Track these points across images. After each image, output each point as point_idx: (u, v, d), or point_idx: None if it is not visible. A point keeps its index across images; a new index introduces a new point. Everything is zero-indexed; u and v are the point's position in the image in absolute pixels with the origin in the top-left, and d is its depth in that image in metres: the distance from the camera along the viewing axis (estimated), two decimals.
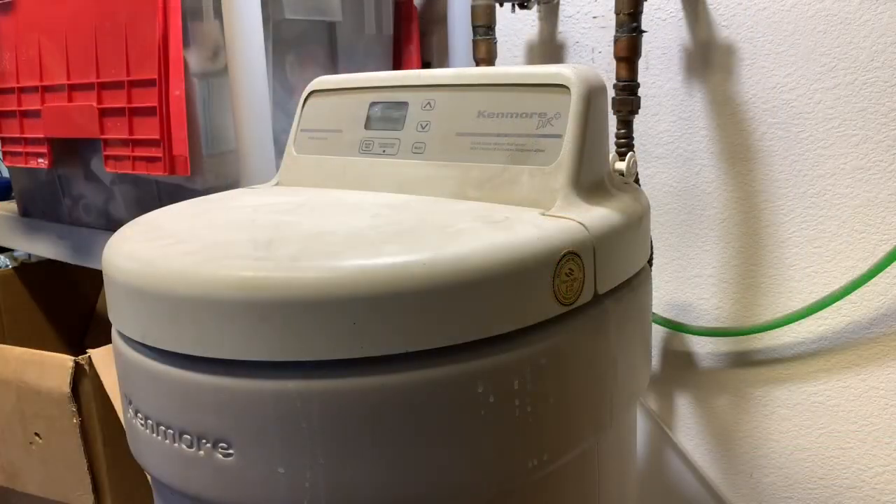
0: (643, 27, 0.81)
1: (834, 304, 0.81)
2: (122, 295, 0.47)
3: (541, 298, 0.45)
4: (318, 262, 0.42)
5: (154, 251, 0.47)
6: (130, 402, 0.50)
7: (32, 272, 1.25)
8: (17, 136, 1.01)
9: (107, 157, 0.89)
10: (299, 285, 0.41)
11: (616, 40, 0.80)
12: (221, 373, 0.43)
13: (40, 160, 0.99)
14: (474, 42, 0.91)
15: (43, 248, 1.12)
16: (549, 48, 0.98)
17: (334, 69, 0.98)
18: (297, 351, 0.41)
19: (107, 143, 0.88)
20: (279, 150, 0.78)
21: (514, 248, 0.45)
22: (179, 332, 0.44)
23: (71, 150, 1.00)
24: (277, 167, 0.71)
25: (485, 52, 0.91)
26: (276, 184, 0.69)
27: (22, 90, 0.99)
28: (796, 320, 0.84)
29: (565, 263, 0.46)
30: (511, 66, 0.99)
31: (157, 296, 0.44)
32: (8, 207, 1.20)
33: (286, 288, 0.41)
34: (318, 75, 0.69)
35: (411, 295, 0.41)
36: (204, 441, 0.44)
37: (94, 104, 0.88)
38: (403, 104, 0.62)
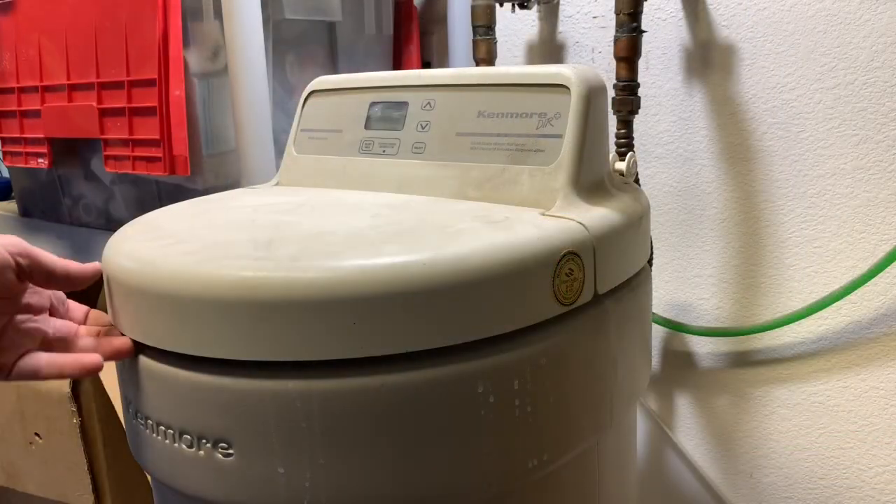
0: (643, 27, 0.81)
1: (834, 304, 0.81)
2: (122, 294, 0.47)
3: (541, 298, 0.45)
4: (318, 262, 0.42)
5: (154, 251, 0.47)
6: (130, 403, 0.50)
7: None
8: (17, 136, 1.01)
9: (107, 157, 0.89)
10: (299, 285, 0.41)
11: (616, 40, 0.80)
12: (221, 373, 0.43)
13: (40, 160, 0.99)
14: (474, 42, 0.91)
15: (43, 247, 1.12)
16: (549, 48, 0.98)
17: (334, 69, 0.98)
18: (296, 351, 0.41)
19: (107, 143, 0.88)
20: (279, 150, 0.78)
21: (514, 249, 0.45)
22: (179, 331, 0.44)
23: (71, 150, 1.00)
24: (277, 167, 0.71)
25: (485, 52, 0.91)
26: (276, 184, 0.69)
27: (22, 90, 0.99)
28: (796, 320, 0.84)
29: (565, 263, 0.46)
30: (511, 66, 0.99)
31: (157, 295, 0.44)
32: (8, 207, 1.20)
33: (286, 288, 0.41)
34: (318, 75, 0.69)
35: (411, 295, 0.41)
36: (204, 441, 0.44)
37: (94, 104, 0.88)
38: (403, 104, 0.62)
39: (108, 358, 0.47)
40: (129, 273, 0.46)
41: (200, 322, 0.42)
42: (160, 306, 0.44)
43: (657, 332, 0.95)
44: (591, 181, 0.55)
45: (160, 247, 0.48)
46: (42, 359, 0.46)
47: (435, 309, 0.42)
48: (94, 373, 0.47)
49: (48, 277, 0.46)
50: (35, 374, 0.45)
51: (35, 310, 0.48)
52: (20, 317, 0.46)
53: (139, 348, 0.47)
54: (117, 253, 0.49)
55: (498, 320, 0.44)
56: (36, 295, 0.48)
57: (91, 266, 0.48)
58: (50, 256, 0.46)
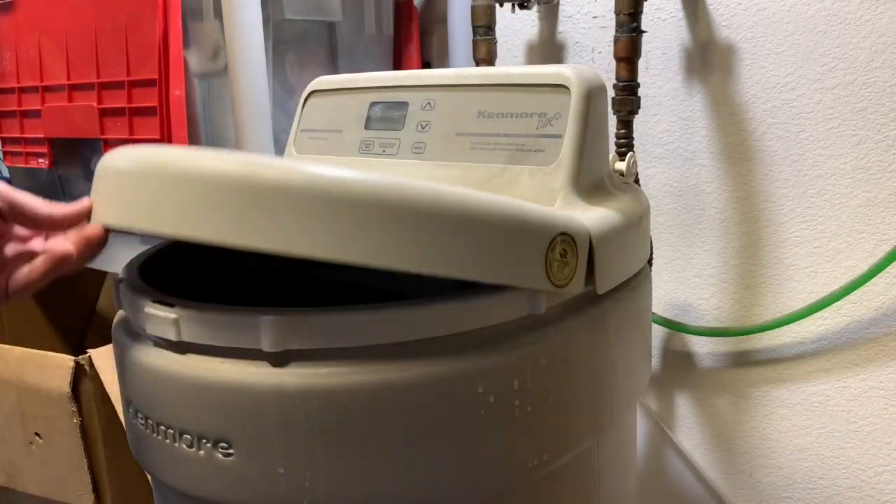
0: (643, 27, 0.81)
1: (834, 304, 0.81)
2: (110, 181, 0.46)
3: (534, 264, 0.45)
4: (318, 170, 0.41)
5: (153, 150, 0.46)
6: (130, 403, 0.50)
7: None
8: (17, 136, 1.01)
9: None
10: (297, 180, 0.40)
11: (616, 40, 0.80)
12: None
13: (40, 160, 0.99)
14: (474, 42, 0.91)
15: None
16: (549, 48, 0.98)
17: (334, 69, 0.98)
18: (283, 242, 0.40)
19: (107, 143, 0.88)
20: (279, 150, 0.78)
21: (515, 207, 0.45)
22: (166, 211, 0.42)
23: (71, 150, 1.00)
24: None
25: (485, 52, 0.91)
26: None
27: (22, 90, 0.98)
28: (796, 320, 0.84)
29: (560, 243, 0.46)
30: (511, 66, 0.99)
31: (149, 176, 0.43)
32: None
33: (284, 180, 0.40)
34: (318, 75, 0.69)
35: (411, 214, 0.40)
36: (204, 441, 0.44)
37: (94, 104, 0.88)
38: (403, 104, 0.62)
39: (79, 248, 0.46)
40: (121, 164, 0.45)
41: (190, 199, 0.41)
42: (151, 186, 0.43)
43: (657, 332, 0.95)
44: (591, 181, 0.55)
45: (160, 150, 0.47)
46: (23, 271, 0.45)
47: (433, 235, 0.41)
48: (65, 262, 0.45)
49: (34, 223, 0.46)
50: (24, 287, 0.45)
51: (27, 238, 0.47)
52: (11, 244, 0.46)
53: (135, 334, 0.47)
54: (112, 157, 0.47)
55: (490, 267, 0.43)
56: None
57: (77, 205, 0.46)
58: (33, 202, 0.45)
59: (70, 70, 0.91)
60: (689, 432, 0.97)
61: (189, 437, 0.45)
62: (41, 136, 0.97)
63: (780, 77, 0.81)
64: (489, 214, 0.43)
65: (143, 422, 0.48)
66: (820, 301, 0.82)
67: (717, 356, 0.92)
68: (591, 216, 0.51)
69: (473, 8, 0.90)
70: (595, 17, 0.93)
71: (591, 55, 0.94)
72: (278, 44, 0.89)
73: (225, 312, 0.43)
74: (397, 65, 1.07)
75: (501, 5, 0.92)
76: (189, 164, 0.42)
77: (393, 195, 0.41)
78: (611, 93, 0.80)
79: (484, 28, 0.90)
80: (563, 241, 0.46)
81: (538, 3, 0.95)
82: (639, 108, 0.82)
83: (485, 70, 0.60)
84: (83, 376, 0.85)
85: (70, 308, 1.32)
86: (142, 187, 0.44)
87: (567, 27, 0.95)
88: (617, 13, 0.80)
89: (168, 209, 0.42)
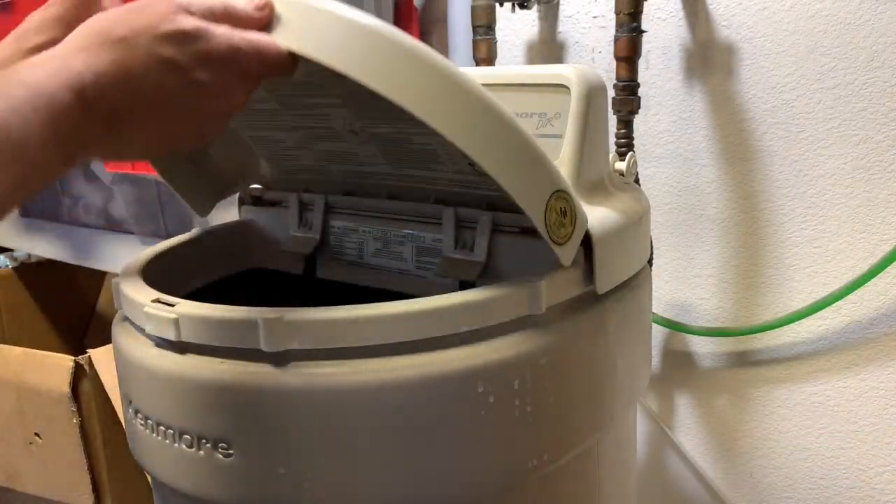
0: (643, 27, 0.81)
1: (834, 304, 0.81)
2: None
3: (538, 199, 0.45)
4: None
5: None
6: (130, 402, 0.50)
7: (32, 272, 1.26)
8: None
9: None
10: (421, 50, 0.40)
11: (616, 40, 0.80)
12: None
13: None
14: (474, 42, 0.91)
15: (43, 247, 1.12)
16: (549, 48, 0.98)
17: None
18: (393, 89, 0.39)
19: None
20: None
21: (529, 137, 0.45)
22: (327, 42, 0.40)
23: None
24: None
25: (485, 52, 0.91)
26: None
27: None
28: (796, 320, 0.84)
29: (562, 199, 0.45)
30: (511, 66, 0.99)
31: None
32: None
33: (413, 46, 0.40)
34: None
35: (481, 105, 0.41)
36: (204, 441, 0.44)
37: None
38: None
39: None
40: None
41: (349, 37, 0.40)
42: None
43: (657, 332, 0.95)
44: (591, 181, 0.55)
45: None
46: None
47: (448, 103, 0.41)
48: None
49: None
50: None
51: None
52: None
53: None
54: None
55: (500, 164, 0.43)
56: None
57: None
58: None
59: None
60: (689, 432, 0.97)
61: (189, 437, 0.45)
62: None
63: (780, 77, 0.81)
64: (528, 138, 0.44)
65: (143, 422, 0.48)
66: (820, 301, 0.82)
67: (717, 356, 0.92)
68: (591, 216, 0.51)
69: (473, 8, 0.90)
70: (595, 17, 0.93)
71: (591, 55, 0.94)
72: None
73: (225, 312, 0.43)
74: None
75: (501, 5, 0.92)
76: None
77: (474, 88, 0.42)
78: (611, 93, 0.80)
79: (484, 28, 0.90)
80: (564, 199, 0.46)
81: (538, 3, 0.95)
82: (639, 107, 0.82)
83: (485, 70, 0.60)
84: (83, 376, 0.85)
85: (70, 308, 1.32)
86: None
87: (567, 27, 0.95)
88: (617, 13, 0.80)
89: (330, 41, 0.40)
